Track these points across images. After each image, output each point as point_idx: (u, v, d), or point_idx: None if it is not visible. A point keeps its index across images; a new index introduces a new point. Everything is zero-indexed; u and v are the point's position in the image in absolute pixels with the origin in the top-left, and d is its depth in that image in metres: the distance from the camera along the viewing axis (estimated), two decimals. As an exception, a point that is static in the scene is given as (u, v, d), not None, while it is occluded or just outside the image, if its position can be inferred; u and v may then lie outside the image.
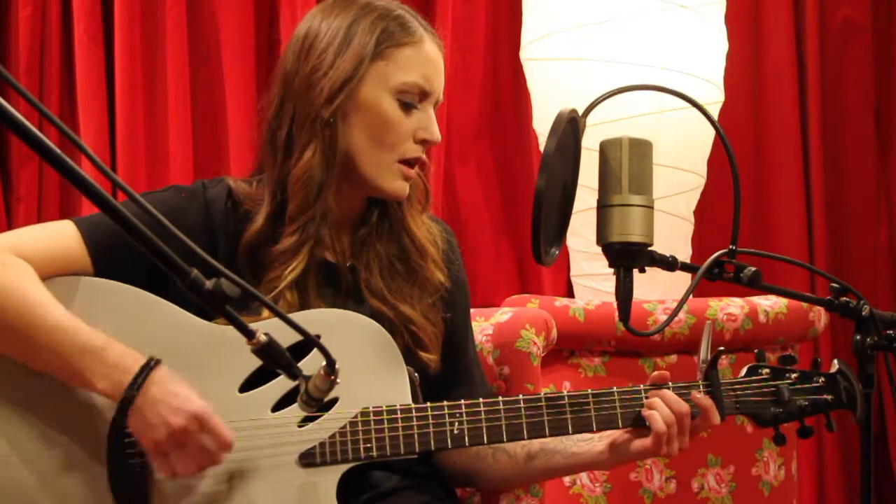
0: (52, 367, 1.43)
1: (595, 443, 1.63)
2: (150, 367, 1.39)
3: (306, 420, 1.48)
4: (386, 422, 1.50)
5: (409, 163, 1.61)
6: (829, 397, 1.63)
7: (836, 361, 1.66)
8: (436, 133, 1.61)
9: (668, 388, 1.59)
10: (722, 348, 1.61)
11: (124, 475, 1.44)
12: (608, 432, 1.62)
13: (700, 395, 1.58)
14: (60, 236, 1.52)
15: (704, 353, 1.61)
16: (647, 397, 1.58)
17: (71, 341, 1.40)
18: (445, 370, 1.67)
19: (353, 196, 1.65)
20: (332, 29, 1.60)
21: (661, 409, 1.56)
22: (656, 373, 1.61)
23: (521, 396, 1.56)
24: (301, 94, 1.58)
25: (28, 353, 1.43)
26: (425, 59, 1.61)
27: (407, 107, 1.59)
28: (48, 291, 1.45)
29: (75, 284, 1.49)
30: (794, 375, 1.64)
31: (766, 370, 1.64)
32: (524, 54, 2.93)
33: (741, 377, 1.64)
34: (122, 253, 1.47)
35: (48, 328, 1.41)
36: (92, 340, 1.41)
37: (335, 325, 1.51)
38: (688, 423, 1.57)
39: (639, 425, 1.58)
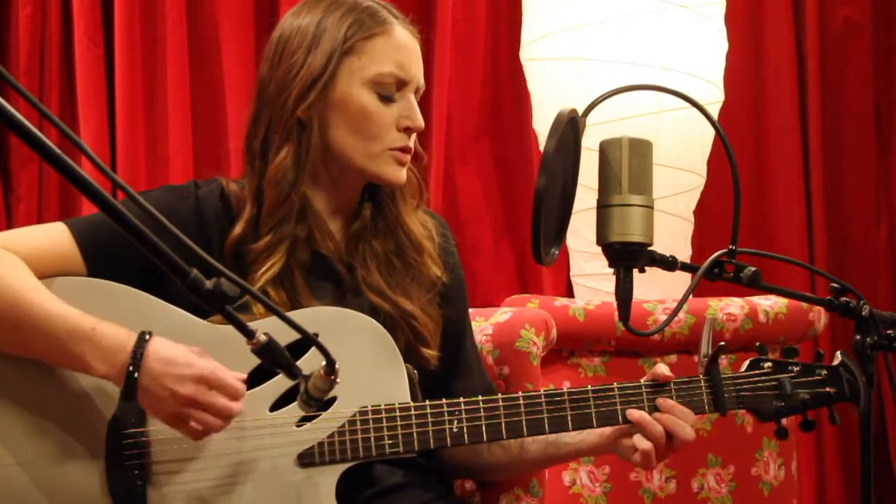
0: (48, 355, 1.43)
1: (588, 432, 1.62)
2: (143, 342, 1.40)
3: (304, 419, 1.48)
4: (385, 420, 1.50)
5: (400, 150, 1.61)
6: (832, 390, 1.62)
7: (838, 353, 1.64)
8: (418, 120, 1.61)
9: (670, 384, 1.58)
10: (723, 343, 1.60)
11: (122, 477, 1.44)
12: None
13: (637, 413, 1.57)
14: (53, 237, 1.53)
15: (705, 347, 1.61)
16: (647, 392, 1.58)
17: (61, 327, 1.41)
18: (444, 363, 1.67)
19: (344, 190, 1.65)
20: (301, 29, 1.60)
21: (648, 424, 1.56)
22: (655, 368, 1.61)
23: (520, 394, 1.56)
24: (275, 98, 1.59)
25: (20, 342, 1.44)
26: (397, 46, 1.60)
27: (385, 99, 1.59)
28: (38, 281, 1.45)
29: (72, 285, 1.49)
30: (796, 368, 1.63)
31: (768, 364, 1.63)
32: (524, 54, 2.93)
33: (743, 371, 1.63)
34: (115, 254, 1.48)
35: (37, 315, 1.42)
36: (81, 323, 1.41)
37: (333, 324, 1.51)
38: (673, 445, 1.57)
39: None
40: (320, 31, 1.59)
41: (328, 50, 1.58)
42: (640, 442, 1.55)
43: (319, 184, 1.63)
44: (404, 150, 1.62)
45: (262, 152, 1.61)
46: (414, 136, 1.64)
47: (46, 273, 1.49)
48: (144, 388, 1.38)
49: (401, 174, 1.62)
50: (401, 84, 1.60)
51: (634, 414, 1.56)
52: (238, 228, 1.59)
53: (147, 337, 1.40)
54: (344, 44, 1.58)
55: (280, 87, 1.59)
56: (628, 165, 1.49)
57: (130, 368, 1.38)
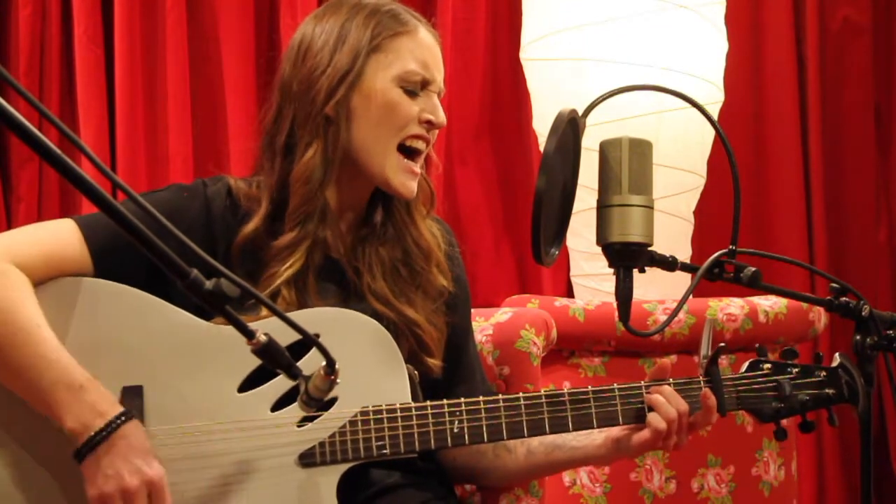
0: (26, 394, 1.42)
1: (594, 437, 1.63)
2: (123, 418, 1.38)
3: (305, 420, 1.48)
4: (385, 421, 1.50)
5: (411, 150, 1.61)
6: (831, 391, 1.62)
7: (837, 355, 1.65)
8: (441, 116, 1.62)
9: (669, 384, 1.59)
10: (723, 344, 1.60)
11: None
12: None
13: (708, 394, 1.58)
14: (60, 235, 1.52)
15: (705, 349, 1.61)
16: (647, 393, 1.58)
17: (50, 374, 1.39)
18: (446, 369, 1.67)
19: (356, 192, 1.65)
20: (325, 31, 1.61)
21: (662, 406, 1.56)
22: (656, 365, 1.61)
23: (521, 394, 1.56)
24: (301, 96, 1.60)
25: (5, 374, 1.43)
26: (422, 46, 1.62)
27: (410, 94, 1.60)
28: (41, 311, 1.44)
29: (75, 285, 1.49)
30: (795, 370, 1.63)
31: (768, 365, 1.63)
32: (524, 54, 2.93)
33: (742, 372, 1.63)
34: (122, 252, 1.47)
35: (31, 356, 1.40)
36: (72, 377, 1.39)
37: (334, 324, 1.51)
38: (686, 421, 1.57)
39: (640, 422, 1.58)
40: (345, 32, 1.60)
41: (355, 48, 1.59)
42: (656, 421, 1.55)
43: (336, 182, 1.63)
44: (423, 138, 1.61)
45: (285, 150, 1.61)
46: (434, 134, 1.64)
47: (54, 272, 1.48)
48: (98, 456, 1.36)
49: (411, 185, 1.62)
50: (424, 83, 1.62)
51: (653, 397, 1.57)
52: (252, 224, 1.59)
53: (127, 417, 1.38)
54: (371, 42, 1.59)
55: (306, 85, 1.59)
56: (628, 165, 1.49)
57: (98, 432, 1.36)
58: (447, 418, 1.52)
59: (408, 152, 1.62)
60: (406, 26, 1.62)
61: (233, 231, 1.59)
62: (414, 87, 1.61)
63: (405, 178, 1.61)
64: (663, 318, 2.34)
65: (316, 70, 1.59)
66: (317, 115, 1.58)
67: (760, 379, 1.62)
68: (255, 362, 1.30)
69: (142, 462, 1.37)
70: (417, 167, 1.62)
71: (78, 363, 1.41)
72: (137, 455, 1.37)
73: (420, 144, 1.62)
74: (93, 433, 1.37)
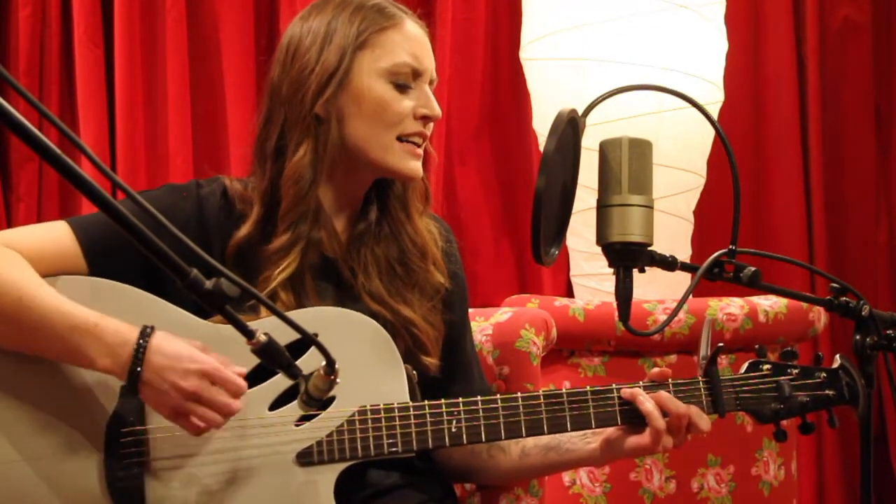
0: (50, 350, 1.43)
1: (589, 439, 1.63)
2: (146, 336, 1.40)
3: (304, 418, 1.48)
4: (384, 420, 1.50)
5: (411, 141, 1.61)
6: (831, 393, 1.62)
7: (838, 357, 1.65)
8: (435, 108, 1.61)
9: (668, 386, 1.58)
10: (721, 344, 1.60)
11: (121, 474, 1.44)
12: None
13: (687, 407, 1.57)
14: (54, 236, 1.53)
15: (704, 349, 1.61)
16: (642, 400, 1.57)
17: (64, 322, 1.41)
18: (443, 367, 1.67)
19: (353, 187, 1.65)
20: (312, 30, 1.61)
21: (653, 417, 1.55)
22: (656, 370, 1.61)
23: (519, 394, 1.56)
24: (290, 98, 1.59)
25: (23, 339, 1.44)
26: (409, 38, 1.61)
27: (401, 88, 1.60)
28: (38, 275, 1.45)
29: (76, 283, 1.49)
30: (795, 371, 1.63)
31: (767, 366, 1.63)
32: (524, 54, 2.93)
33: (742, 373, 1.63)
34: (116, 252, 1.48)
35: (41, 311, 1.42)
36: (85, 318, 1.41)
37: (333, 323, 1.51)
38: (685, 423, 1.57)
39: (637, 423, 1.58)
40: (332, 30, 1.60)
41: (342, 45, 1.58)
42: (656, 422, 1.54)
43: (330, 180, 1.62)
44: (420, 135, 1.61)
45: (276, 153, 1.60)
46: (430, 126, 1.63)
47: (48, 271, 1.49)
48: (147, 382, 1.39)
49: (416, 167, 1.62)
50: (416, 74, 1.61)
51: (626, 391, 1.56)
52: (245, 229, 1.59)
53: (149, 331, 1.41)
54: (357, 38, 1.59)
55: (295, 86, 1.59)
56: (628, 165, 1.49)
57: (133, 362, 1.39)
58: (445, 418, 1.52)
59: (404, 140, 1.61)
60: (392, 20, 1.61)
61: (228, 232, 1.59)
62: (405, 80, 1.60)
63: (409, 161, 1.61)
64: (663, 318, 2.34)
65: (304, 70, 1.59)
66: (306, 115, 1.58)
67: (760, 380, 1.62)
68: (254, 361, 1.30)
69: (186, 361, 1.39)
70: (419, 151, 1.62)
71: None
72: (177, 359, 1.39)
73: (417, 140, 1.61)
74: (129, 367, 1.38)
